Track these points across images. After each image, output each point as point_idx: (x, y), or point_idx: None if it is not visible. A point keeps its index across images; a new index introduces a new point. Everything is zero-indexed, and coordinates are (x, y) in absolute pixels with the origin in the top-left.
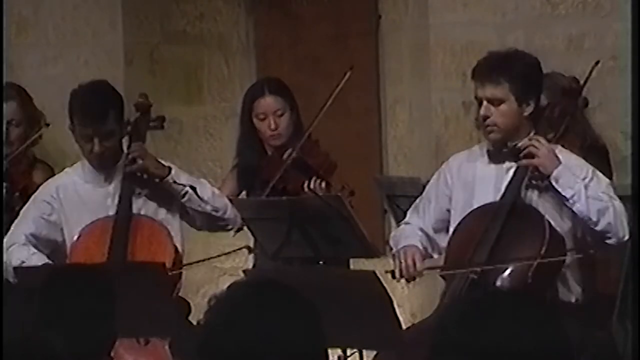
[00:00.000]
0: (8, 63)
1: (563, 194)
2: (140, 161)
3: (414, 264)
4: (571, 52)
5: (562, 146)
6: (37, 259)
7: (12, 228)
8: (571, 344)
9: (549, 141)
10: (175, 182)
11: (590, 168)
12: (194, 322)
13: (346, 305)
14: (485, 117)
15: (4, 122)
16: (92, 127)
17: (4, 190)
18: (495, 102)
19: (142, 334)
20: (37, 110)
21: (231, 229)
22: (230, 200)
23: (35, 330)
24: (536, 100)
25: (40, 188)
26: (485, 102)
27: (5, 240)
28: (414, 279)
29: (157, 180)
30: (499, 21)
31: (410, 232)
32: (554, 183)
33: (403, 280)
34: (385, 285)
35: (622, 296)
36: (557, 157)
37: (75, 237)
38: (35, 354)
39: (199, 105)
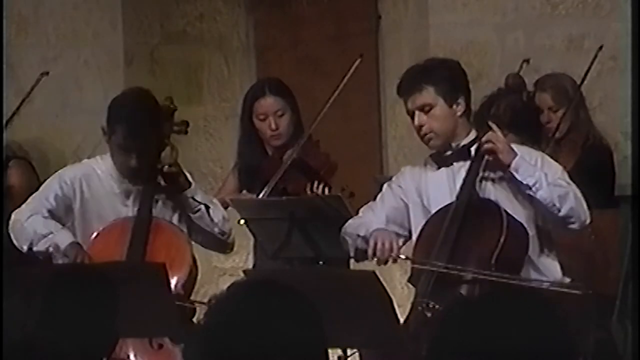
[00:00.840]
0: (8, 63)
1: (525, 182)
2: (172, 169)
3: (391, 247)
4: (571, 52)
5: (563, 146)
6: (66, 236)
7: (31, 198)
8: (570, 343)
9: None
10: (192, 198)
11: (539, 154)
12: (194, 322)
13: (346, 305)
14: (420, 127)
15: (3, 121)
16: (136, 143)
17: None
18: (425, 108)
19: (143, 334)
20: None
21: (229, 252)
22: (232, 201)
23: (34, 330)
24: (465, 98)
25: (64, 170)
26: (417, 112)
27: (21, 209)
28: (385, 262)
29: (177, 192)
30: (499, 21)
31: (370, 222)
32: (514, 173)
33: (376, 263)
34: (385, 285)
35: (622, 296)
36: (512, 148)
37: (94, 235)
38: (34, 353)
39: (199, 105)
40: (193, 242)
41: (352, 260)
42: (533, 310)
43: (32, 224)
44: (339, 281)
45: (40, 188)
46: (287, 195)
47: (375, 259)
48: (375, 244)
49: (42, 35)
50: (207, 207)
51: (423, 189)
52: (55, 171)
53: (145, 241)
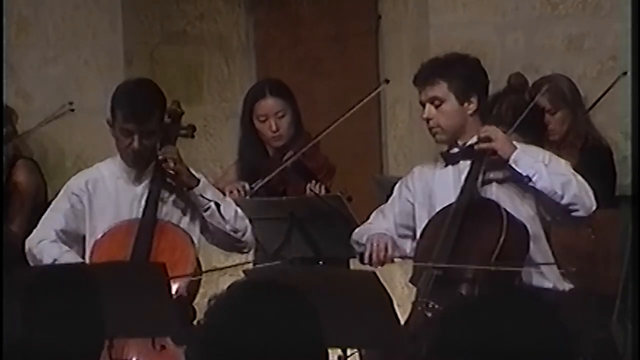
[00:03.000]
0: (8, 63)
1: (525, 174)
2: (172, 164)
3: (386, 249)
4: (571, 52)
5: (562, 148)
6: (70, 257)
7: (41, 222)
8: (570, 343)
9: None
10: (201, 195)
11: (548, 153)
12: (194, 322)
13: (346, 305)
14: (428, 119)
15: (4, 121)
16: (135, 123)
17: None
18: (435, 102)
19: (142, 334)
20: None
21: (247, 252)
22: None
23: (18, 332)
24: (479, 97)
25: (71, 180)
26: (427, 105)
27: (32, 235)
28: (382, 264)
29: (184, 189)
30: (499, 21)
31: (377, 228)
32: (513, 165)
33: (377, 267)
34: (385, 285)
35: (622, 296)
36: (511, 142)
37: (99, 236)
38: (18, 356)
39: (199, 105)
40: (211, 244)
41: (352, 260)
42: (533, 310)
43: (40, 252)
44: (339, 281)
45: (50, 206)
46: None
47: (370, 262)
48: (371, 246)
49: (42, 35)
50: (217, 205)
51: (430, 188)
52: (55, 171)
53: (150, 243)
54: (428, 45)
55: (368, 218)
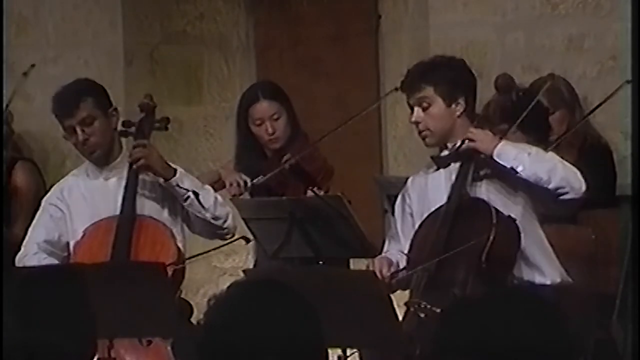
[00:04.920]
0: (8, 63)
1: (509, 166)
2: (143, 161)
3: (381, 272)
4: (571, 52)
5: (561, 148)
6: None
7: (26, 239)
8: (570, 342)
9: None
10: (178, 185)
11: (534, 148)
12: (194, 322)
13: (346, 305)
14: (417, 123)
15: (4, 122)
16: (70, 115)
17: None
18: (423, 104)
19: (143, 334)
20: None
21: (229, 238)
22: (232, 201)
23: (16, 333)
24: (466, 99)
25: (49, 194)
26: (415, 109)
27: (20, 252)
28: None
29: (161, 181)
30: (499, 21)
31: (391, 254)
32: (497, 159)
33: None
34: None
35: (622, 296)
36: (493, 137)
37: (79, 237)
38: (16, 356)
39: (199, 105)
40: (197, 234)
41: (352, 260)
42: (533, 310)
43: (27, 264)
44: (339, 281)
45: (33, 222)
46: None
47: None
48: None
49: (42, 35)
50: (196, 194)
51: (424, 194)
52: (56, 171)
53: (129, 239)
54: (428, 45)
55: (368, 218)
